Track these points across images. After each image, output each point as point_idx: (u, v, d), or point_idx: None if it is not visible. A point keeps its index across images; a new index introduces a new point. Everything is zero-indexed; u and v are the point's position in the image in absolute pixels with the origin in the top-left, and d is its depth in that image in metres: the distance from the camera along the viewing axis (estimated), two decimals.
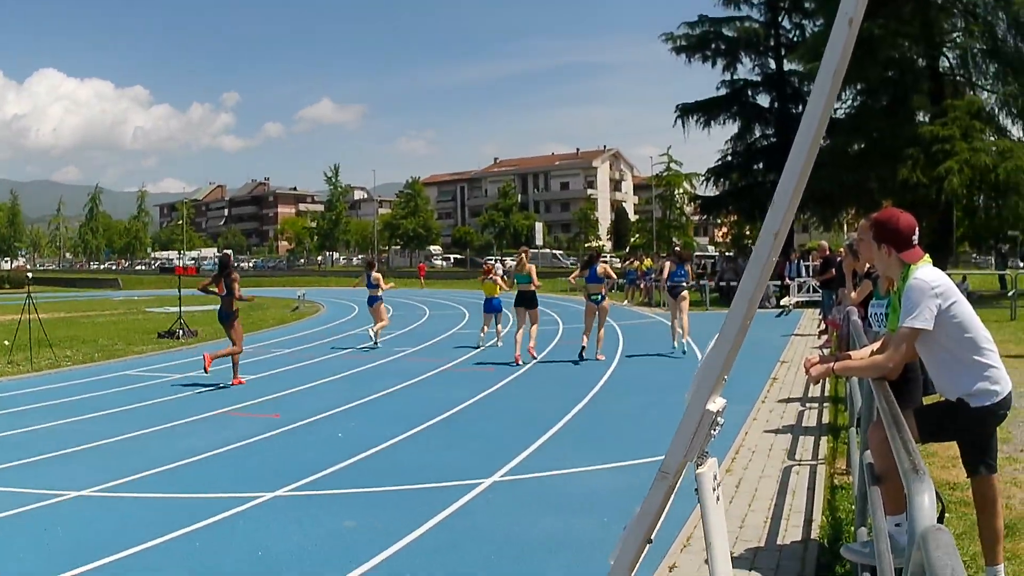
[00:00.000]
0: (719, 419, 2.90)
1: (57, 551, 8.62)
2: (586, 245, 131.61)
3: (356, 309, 28.67)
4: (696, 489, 3.39)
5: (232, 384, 20.14)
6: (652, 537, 3.03)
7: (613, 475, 11.26)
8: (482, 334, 27.25)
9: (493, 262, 34.41)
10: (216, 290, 20.75)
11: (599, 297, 23.18)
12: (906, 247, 6.36)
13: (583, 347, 23.10)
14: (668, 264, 26.03)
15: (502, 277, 27.07)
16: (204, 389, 19.66)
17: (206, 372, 20.01)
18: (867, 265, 10.67)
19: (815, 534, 8.45)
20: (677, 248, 34.18)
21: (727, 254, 67.80)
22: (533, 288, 23.78)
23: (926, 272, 6.19)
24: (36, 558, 8.42)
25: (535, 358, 23.41)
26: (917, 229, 6.48)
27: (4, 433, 14.98)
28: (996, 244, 59.34)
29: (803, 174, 2.66)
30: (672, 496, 3.03)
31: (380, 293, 28.22)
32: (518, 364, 22.56)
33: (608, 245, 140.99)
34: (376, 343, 27.63)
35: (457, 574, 7.86)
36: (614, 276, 25.57)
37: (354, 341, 27.88)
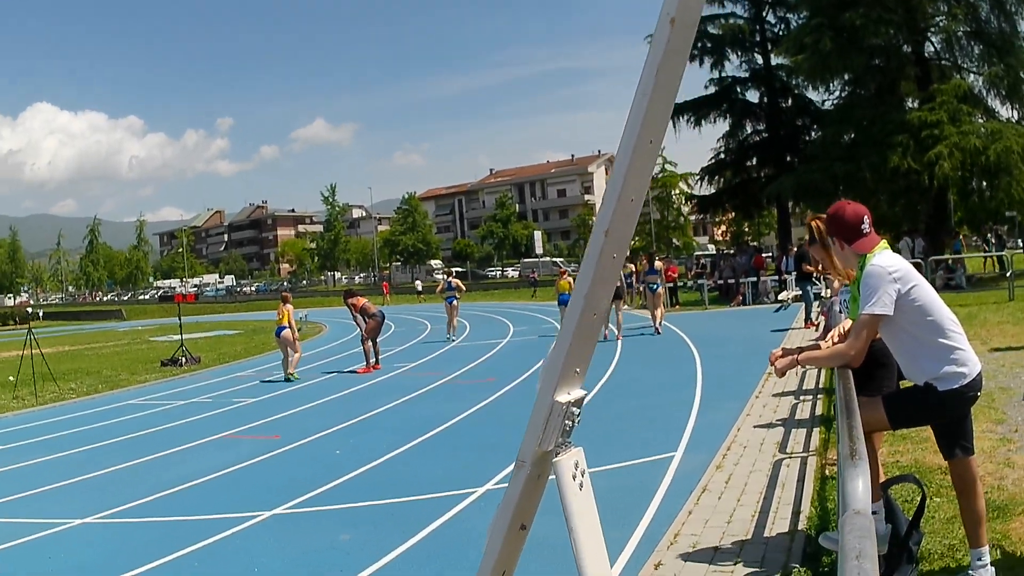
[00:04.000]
0: (574, 409, 2.96)
1: None
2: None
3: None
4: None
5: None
6: (526, 523, 3.09)
7: (599, 477, 11.02)
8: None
9: (564, 264, 46.82)
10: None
11: (655, 286, 31.31)
12: (856, 237, 6.32)
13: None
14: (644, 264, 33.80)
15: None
16: (206, 414, 19.84)
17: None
18: None
19: (803, 525, 8.44)
20: (651, 252, 39.02)
21: (725, 252, 67.68)
22: (618, 284, 28.18)
23: (883, 258, 6.14)
24: None
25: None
26: (867, 217, 6.40)
27: (7, 467, 15.21)
28: (993, 226, 59.05)
29: (630, 173, 2.68)
30: (542, 485, 3.08)
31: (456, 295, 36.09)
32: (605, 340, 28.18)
33: None
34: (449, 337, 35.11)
35: None
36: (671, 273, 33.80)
37: (357, 359, 27.95)
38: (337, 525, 9.99)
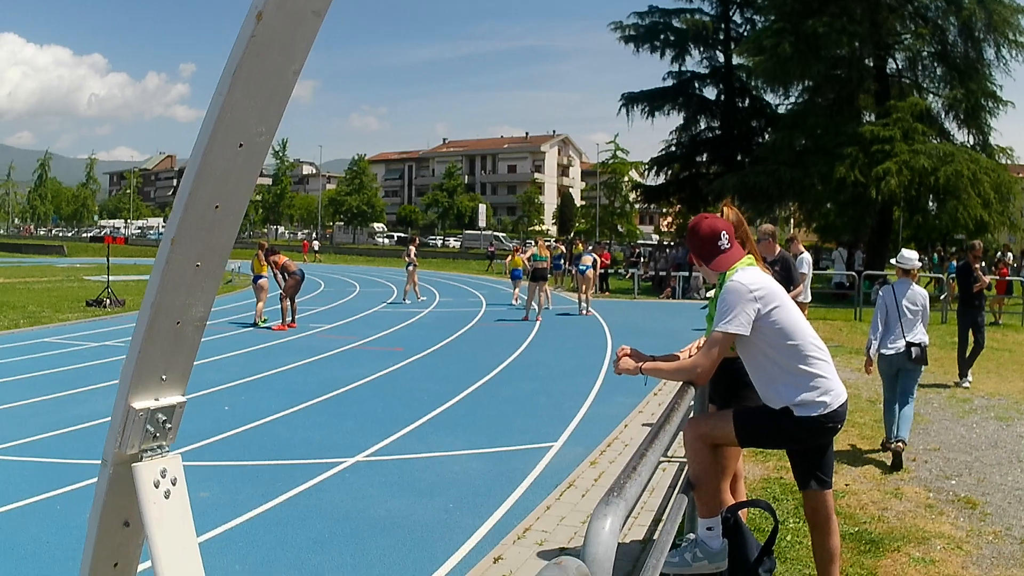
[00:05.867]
0: (160, 416, 2.72)
1: None
2: (529, 229, 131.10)
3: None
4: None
5: None
6: (130, 521, 2.89)
7: (473, 460, 11.51)
8: (515, 300, 36.45)
9: (520, 244, 55.18)
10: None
11: (585, 268, 32.84)
12: (713, 255, 5.92)
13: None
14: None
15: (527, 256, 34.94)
16: (115, 358, 19.96)
17: None
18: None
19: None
20: (584, 240, 41.58)
21: (664, 244, 67.78)
22: (545, 266, 31.36)
23: (744, 275, 5.74)
24: None
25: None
26: (726, 232, 5.96)
27: None
28: (943, 246, 58.74)
29: (201, 177, 2.40)
30: (124, 483, 2.77)
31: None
32: (525, 320, 29.91)
33: (553, 230, 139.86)
34: (407, 299, 37.83)
35: (285, 547, 8.21)
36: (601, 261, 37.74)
37: (276, 316, 27.82)
38: (202, 481, 10.15)
